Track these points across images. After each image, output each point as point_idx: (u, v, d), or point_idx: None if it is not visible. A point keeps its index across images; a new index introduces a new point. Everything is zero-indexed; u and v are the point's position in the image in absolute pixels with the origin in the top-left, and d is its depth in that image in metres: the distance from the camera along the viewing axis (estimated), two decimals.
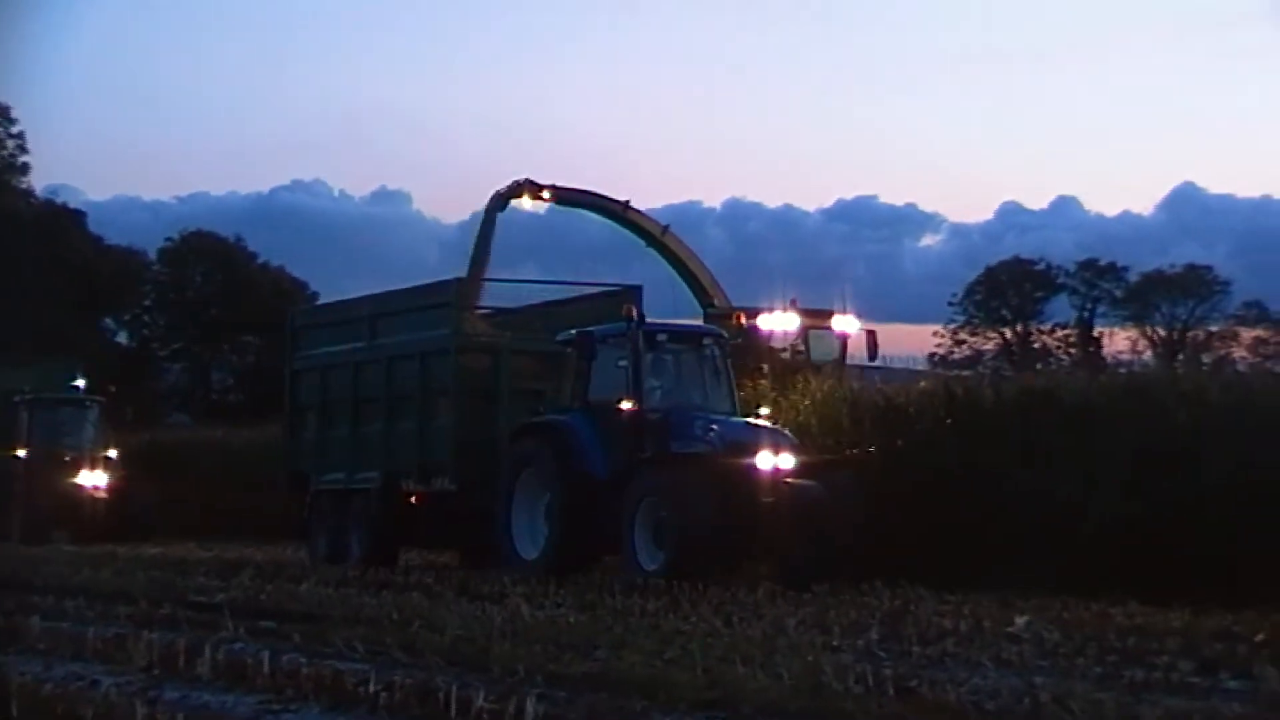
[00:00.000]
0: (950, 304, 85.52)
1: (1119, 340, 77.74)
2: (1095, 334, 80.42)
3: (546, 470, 22.78)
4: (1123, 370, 27.93)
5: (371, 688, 10.98)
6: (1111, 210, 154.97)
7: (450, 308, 26.05)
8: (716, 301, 31.00)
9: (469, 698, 10.20)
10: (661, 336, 23.29)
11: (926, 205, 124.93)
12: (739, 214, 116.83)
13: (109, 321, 72.86)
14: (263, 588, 20.24)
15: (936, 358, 75.49)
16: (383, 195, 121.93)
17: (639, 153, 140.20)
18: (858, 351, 29.35)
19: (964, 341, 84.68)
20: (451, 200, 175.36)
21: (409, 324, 26.68)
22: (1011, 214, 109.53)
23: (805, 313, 27.00)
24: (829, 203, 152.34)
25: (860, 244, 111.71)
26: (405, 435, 26.33)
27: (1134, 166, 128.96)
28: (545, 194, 30.02)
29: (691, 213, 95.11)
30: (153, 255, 72.94)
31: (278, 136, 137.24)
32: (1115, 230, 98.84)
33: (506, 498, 23.21)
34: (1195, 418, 20.68)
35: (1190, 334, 77.93)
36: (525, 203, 30.51)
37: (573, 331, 23.39)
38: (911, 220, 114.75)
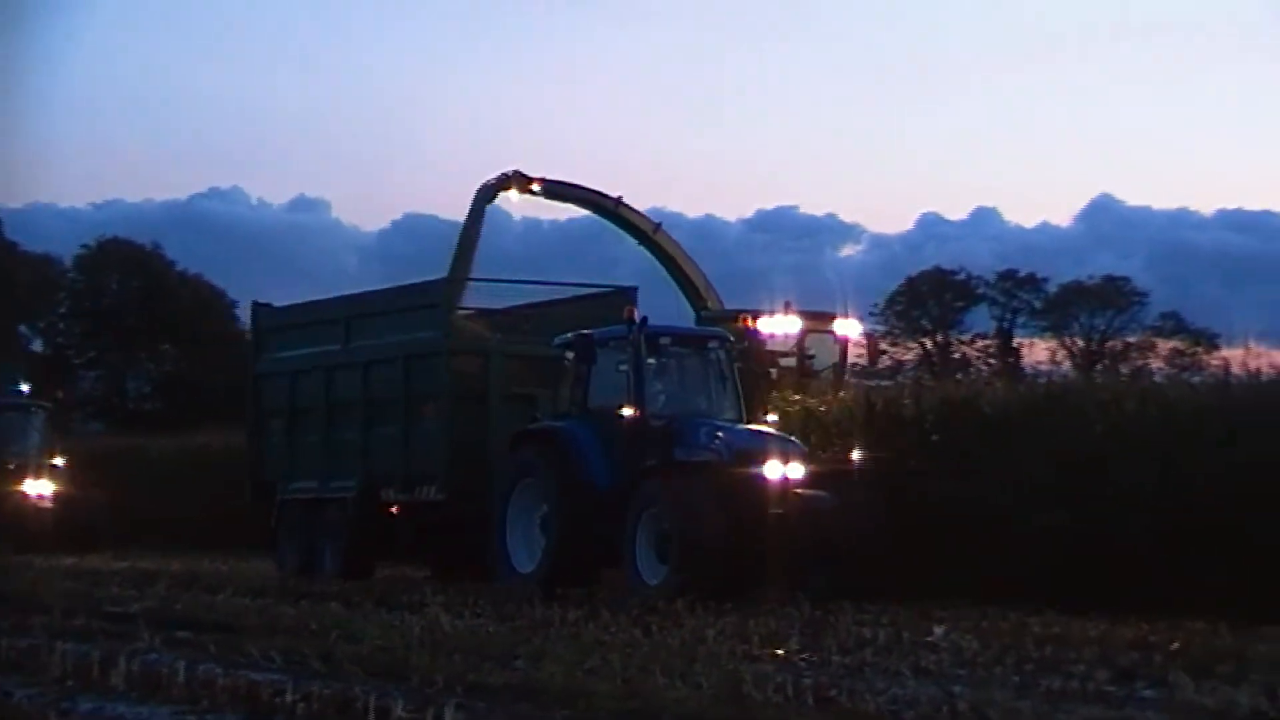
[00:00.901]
0: (871, 314, 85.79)
1: (1038, 351, 78.21)
2: (1015, 344, 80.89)
3: (544, 480, 21.76)
4: (1042, 380, 27.99)
5: (289, 698, 10.94)
6: (1030, 221, 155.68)
7: (440, 309, 24.93)
8: (710, 304, 29.90)
9: (387, 707, 10.19)
10: (664, 340, 22.31)
11: (847, 216, 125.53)
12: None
13: (24, 329, 72.16)
14: (178, 598, 20.11)
15: (858, 368, 75.62)
16: (301, 203, 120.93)
17: (558, 162, 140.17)
18: (858, 357, 28.65)
19: (884, 352, 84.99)
20: (371, 208, 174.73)
21: (392, 325, 25.56)
22: (931, 224, 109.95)
23: (805, 315, 25.78)
24: (749, 213, 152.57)
25: (781, 254, 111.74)
26: (387, 442, 25.26)
27: (1052, 178, 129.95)
28: (535, 187, 28.85)
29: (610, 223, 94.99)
30: (68, 262, 72.30)
31: (195, 144, 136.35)
32: (1034, 241, 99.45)
33: (501, 508, 22.19)
34: (1113, 428, 20.83)
35: (1108, 345, 78.51)
36: (513, 196, 29.35)
37: (570, 335, 22.46)
38: (832, 230, 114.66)
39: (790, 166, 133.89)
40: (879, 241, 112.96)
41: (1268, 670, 12.85)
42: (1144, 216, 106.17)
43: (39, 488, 37.39)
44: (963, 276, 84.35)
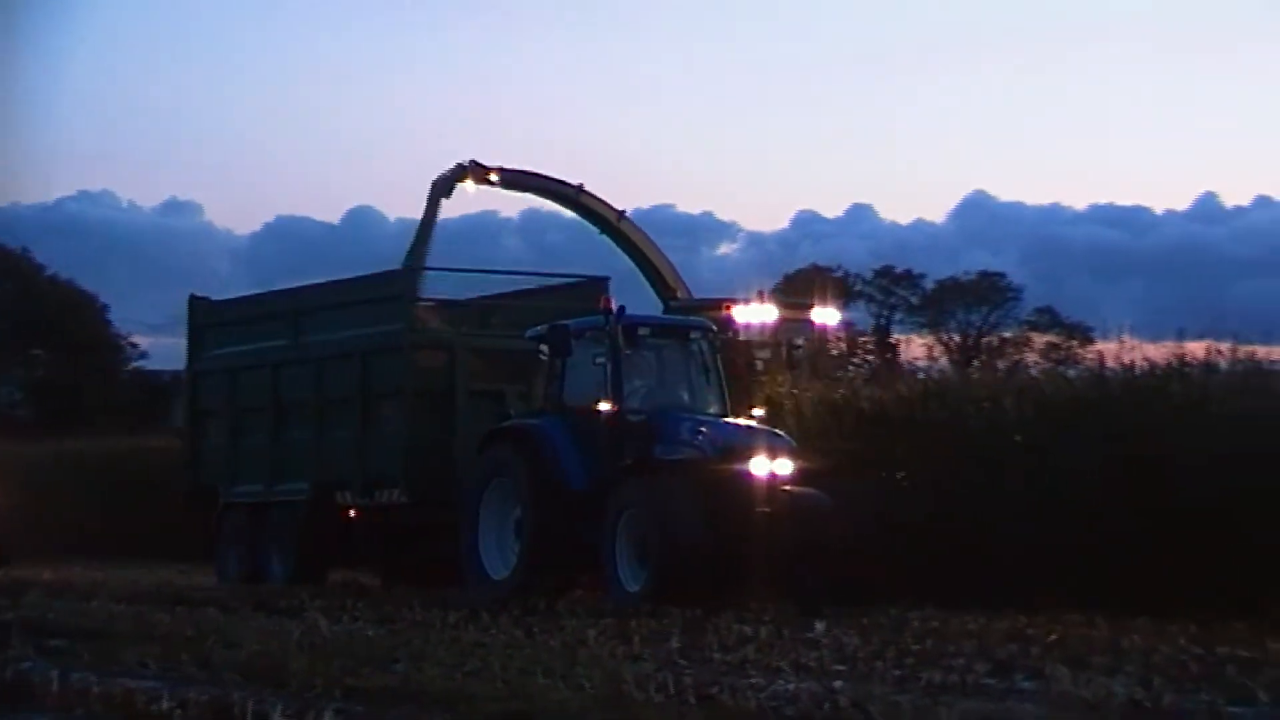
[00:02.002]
0: None
1: (915, 347, 78.70)
2: (892, 341, 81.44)
3: (518, 480, 20.61)
4: (920, 376, 28.08)
5: (165, 705, 10.84)
6: (905, 218, 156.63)
7: (401, 301, 23.80)
8: (679, 293, 28.76)
9: (265, 713, 10.15)
10: (643, 330, 21.15)
11: (723, 214, 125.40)
12: (537, 224, 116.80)
13: None
14: (50, 605, 19.87)
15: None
16: (173, 206, 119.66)
17: (432, 164, 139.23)
18: (834, 347, 27.44)
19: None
20: (244, 211, 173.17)
21: (347, 319, 24.36)
22: (807, 222, 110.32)
23: (782, 304, 24.56)
24: (627, 210, 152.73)
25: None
26: (343, 442, 24.03)
27: (926, 175, 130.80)
28: (492, 177, 27.83)
29: (489, 223, 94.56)
30: None
31: (63, 146, 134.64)
32: (909, 238, 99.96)
33: (471, 511, 21.05)
34: (990, 423, 21.02)
35: (984, 340, 79.18)
36: (470, 187, 28.21)
37: (543, 326, 21.27)
38: (708, 228, 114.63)
39: (667, 164, 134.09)
40: (755, 239, 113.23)
41: (1142, 661, 13.07)
42: (1016, 212, 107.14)
43: None
44: (840, 274, 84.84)
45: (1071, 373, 26.17)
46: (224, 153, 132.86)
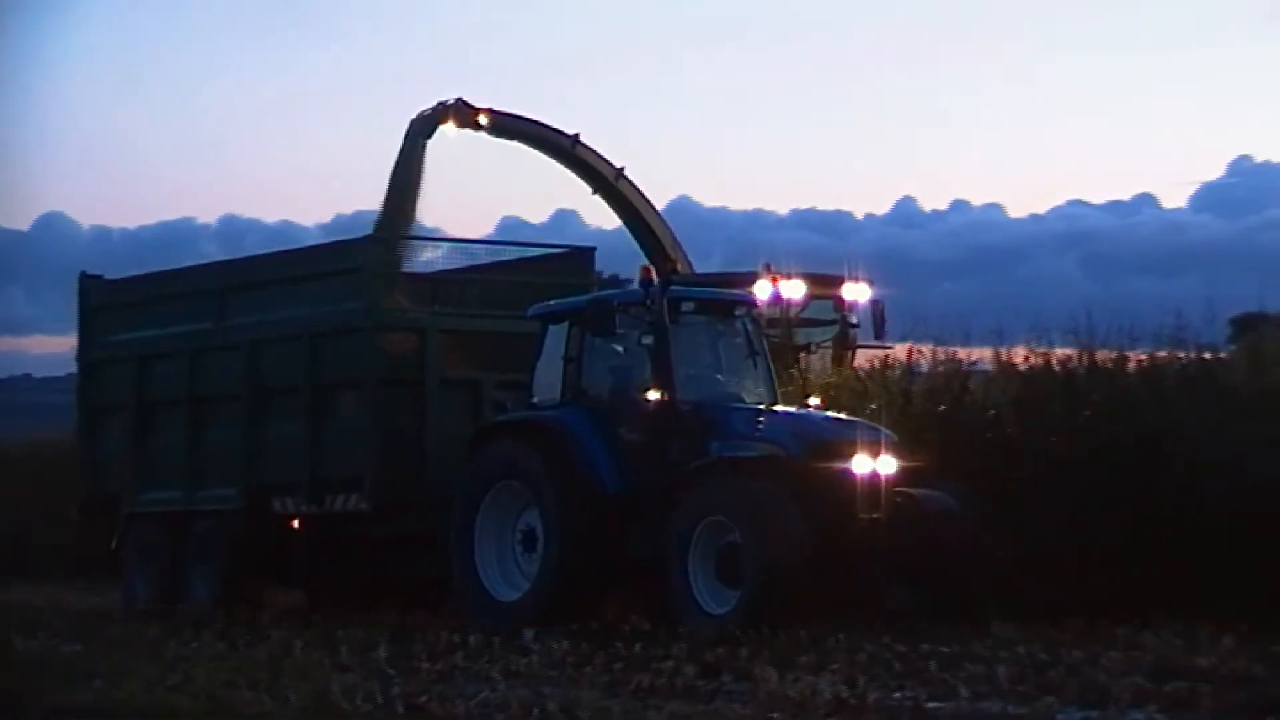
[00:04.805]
0: None
1: None
2: None
3: (533, 483, 17.78)
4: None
5: None
6: (609, 223, 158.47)
7: (362, 274, 20.47)
8: (680, 266, 25.91)
9: None
10: (687, 306, 18.34)
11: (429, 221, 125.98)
12: (236, 230, 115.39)
13: None
14: None
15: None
16: None
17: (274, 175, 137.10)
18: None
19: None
20: None
21: (291, 297, 21.31)
22: (513, 229, 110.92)
23: (807, 279, 20.47)
24: (328, 218, 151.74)
25: None
26: (284, 441, 20.91)
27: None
28: (481, 119, 24.21)
29: (184, 229, 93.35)
30: None
31: None
32: (614, 243, 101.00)
33: (465, 522, 18.18)
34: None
35: None
36: (451, 131, 24.47)
37: (552, 303, 18.75)
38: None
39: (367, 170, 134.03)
40: (458, 248, 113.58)
41: (846, 660, 13.34)
42: (722, 217, 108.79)
43: None
44: None
45: None
46: None
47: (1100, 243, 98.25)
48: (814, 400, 18.31)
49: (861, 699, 11.28)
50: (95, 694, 12.03)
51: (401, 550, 19.74)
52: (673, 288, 18.39)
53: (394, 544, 19.82)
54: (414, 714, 11.00)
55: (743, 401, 17.97)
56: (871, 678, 12.25)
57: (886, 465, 16.62)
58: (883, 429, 17.25)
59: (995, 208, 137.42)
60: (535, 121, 23.92)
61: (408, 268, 21.22)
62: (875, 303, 18.72)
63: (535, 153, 24.65)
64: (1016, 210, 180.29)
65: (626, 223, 24.18)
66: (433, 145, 22.78)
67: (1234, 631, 14.34)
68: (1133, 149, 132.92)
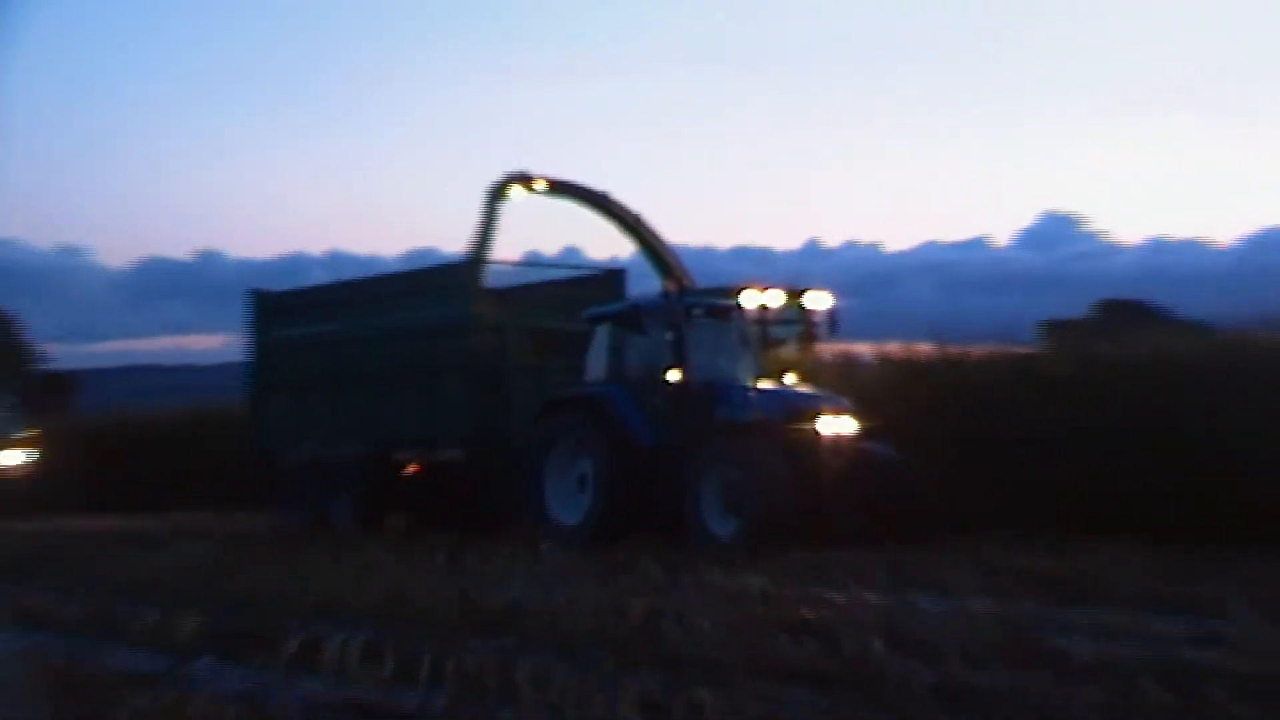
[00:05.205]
0: None
1: None
2: None
3: (585, 440, 18.32)
4: None
5: (64, 612, 10.86)
6: (605, 254, 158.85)
7: (459, 289, 21.26)
8: (684, 283, 24.88)
9: (142, 616, 10.18)
10: (697, 310, 18.65)
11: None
12: (339, 261, 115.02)
13: None
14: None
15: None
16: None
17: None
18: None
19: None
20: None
21: (411, 305, 21.81)
22: (534, 260, 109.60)
23: (783, 290, 20.23)
24: (403, 250, 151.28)
25: None
26: (402, 408, 21.56)
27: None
28: (538, 185, 24.06)
29: (300, 260, 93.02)
30: None
31: None
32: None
33: (536, 470, 18.74)
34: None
35: None
36: (519, 193, 24.30)
37: (599, 309, 19.32)
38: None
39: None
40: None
41: (770, 564, 13.55)
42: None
43: (12, 458, 31.93)
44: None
45: None
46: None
47: (950, 271, 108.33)
48: (790, 379, 18.66)
49: (779, 591, 11.58)
50: (240, 586, 12.36)
51: (483, 488, 20.32)
52: (687, 298, 18.76)
53: (478, 484, 20.42)
54: (463, 600, 11.21)
55: (738, 380, 18.28)
56: (789, 577, 12.50)
57: (846, 426, 17.15)
58: (843, 399, 17.68)
59: (874, 246, 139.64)
60: (578, 184, 24.22)
61: (490, 284, 21.80)
62: (832, 309, 19.10)
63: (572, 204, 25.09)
64: (890, 247, 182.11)
65: (643, 252, 24.72)
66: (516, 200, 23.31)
67: (1052, 540, 14.74)
68: (973, 202, 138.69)
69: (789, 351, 19.47)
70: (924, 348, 20.46)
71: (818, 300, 18.81)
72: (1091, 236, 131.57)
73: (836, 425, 17.09)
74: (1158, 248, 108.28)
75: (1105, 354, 18.62)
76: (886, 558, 13.87)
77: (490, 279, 21.88)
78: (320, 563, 14.65)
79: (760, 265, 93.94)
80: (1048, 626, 9.21)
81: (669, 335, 18.16)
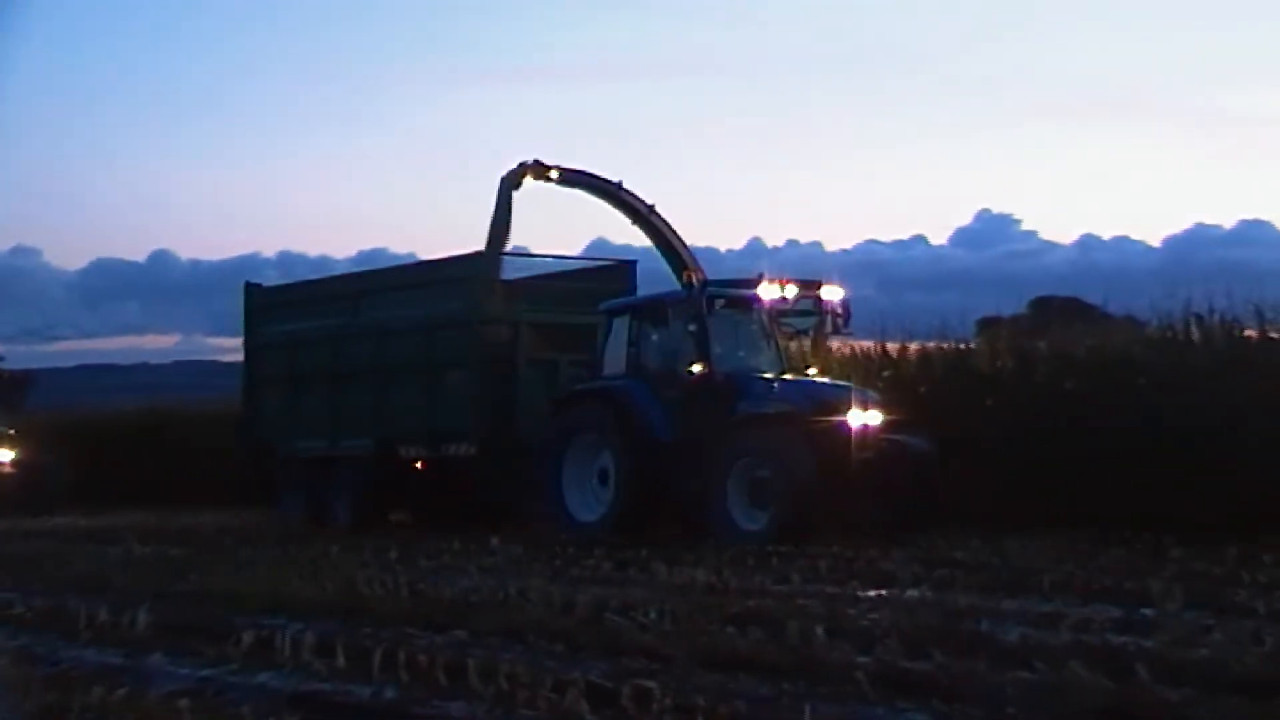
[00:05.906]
0: None
1: None
2: None
3: (606, 435, 17.74)
4: None
5: (16, 610, 10.89)
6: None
7: (475, 282, 20.56)
8: (696, 277, 23.96)
9: (95, 613, 10.23)
10: (719, 301, 18.08)
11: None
12: (289, 262, 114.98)
13: None
14: None
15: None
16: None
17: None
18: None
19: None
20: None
21: (415, 298, 21.20)
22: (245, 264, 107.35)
23: (798, 283, 19.74)
24: (353, 252, 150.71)
25: None
26: (408, 403, 20.82)
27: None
28: (552, 174, 23.41)
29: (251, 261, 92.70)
30: None
31: None
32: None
33: (554, 463, 18.13)
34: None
35: None
36: (530, 182, 23.59)
37: (617, 301, 18.84)
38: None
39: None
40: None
41: (717, 558, 13.76)
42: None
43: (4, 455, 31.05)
44: None
45: None
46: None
47: (889, 269, 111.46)
48: (813, 370, 18.38)
49: (725, 584, 11.75)
50: (191, 584, 12.42)
51: (492, 484, 19.92)
52: (709, 289, 18.18)
53: (487, 479, 19.96)
54: (415, 595, 11.32)
55: (759, 372, 17.76)
56: (733, 570, 12.68)
57: (874, 418, 16.64)
58: (869, 391, 17.28)
59: (817, 244, 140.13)
60: (592, 174, 23.97)
61: (503, 277, 21.23)
62: (844, 301, 18.92)
63: (587, 195, 24.74)
64: (831, 246, 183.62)
65: (657, 245, 24.32)
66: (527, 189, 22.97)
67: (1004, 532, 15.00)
68: (910, 203, 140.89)
69: (806, 343, 19.23)
70: (865, 344, 20.74)
71: (833, 292, 18.51)
72: (1026, 235, 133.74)
73: (865, 417, 16.55)
74: (1089, 245, 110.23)
75: (1041, 349, 18.98)
76: (831, 551, 14.09)
77: (504, 272, 21.20)
78: (271, 557, 14.74)
79: (707, 264, 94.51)
80: (983, 615, 9.43)
81: (692, 327, 17.59)
